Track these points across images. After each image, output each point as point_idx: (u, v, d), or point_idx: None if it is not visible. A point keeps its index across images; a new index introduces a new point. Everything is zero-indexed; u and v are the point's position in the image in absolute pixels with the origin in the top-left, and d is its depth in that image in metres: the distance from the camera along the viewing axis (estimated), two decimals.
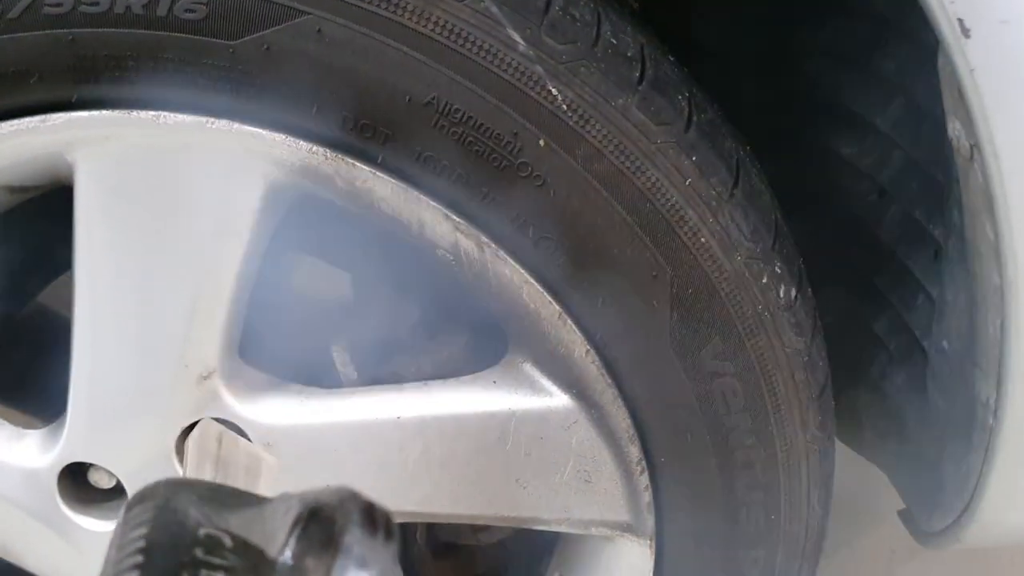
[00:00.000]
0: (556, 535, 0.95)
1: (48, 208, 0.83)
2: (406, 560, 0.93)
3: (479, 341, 0.85)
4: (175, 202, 0.70)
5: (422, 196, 0.69)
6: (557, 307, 0.73)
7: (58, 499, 0.84)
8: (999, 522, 0.87)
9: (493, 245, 0.71)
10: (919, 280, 0.93)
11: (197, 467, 0.64)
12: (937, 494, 0.94)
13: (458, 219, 0.70)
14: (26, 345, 0.94)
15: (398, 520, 0.84)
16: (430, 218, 0.70)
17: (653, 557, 0.84)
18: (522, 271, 0.72)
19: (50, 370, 0.82)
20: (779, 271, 0.74)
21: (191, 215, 0.71)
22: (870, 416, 1.10)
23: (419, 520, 0.84)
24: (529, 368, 0.78)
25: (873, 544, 1.59)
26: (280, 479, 0.74)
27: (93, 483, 0.85)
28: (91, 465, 0.84)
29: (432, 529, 0.94)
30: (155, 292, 0.73)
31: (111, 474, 0.84)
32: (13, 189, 0.74)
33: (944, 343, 0.87)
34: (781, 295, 0.74)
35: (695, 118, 0.71)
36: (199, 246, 0.71)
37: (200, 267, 0.72)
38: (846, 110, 1.02)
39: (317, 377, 0.84)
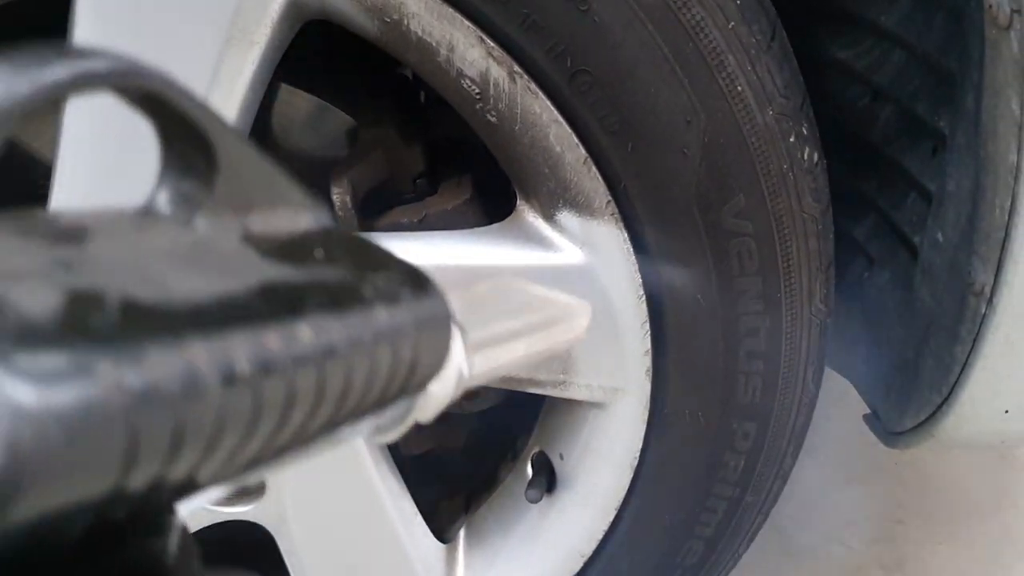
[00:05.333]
0: (538, 409, 0.94)
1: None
2: None
3: (485, 197, 0.82)
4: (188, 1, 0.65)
5: (457, 14, 0.66)
6: (584, 151, 0.71)
7: None
8: (977, 414, 0.88)
9: (526, 76, 0.68)
10: (914, 177, 0.94)
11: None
12: (911, 392, 0.96)
13: (492, 44, 0.67)
14: None
15: None
16: (463, 41, 0.67)
17: (645, 426, 0.83)
18: (552, 108, 0.69)
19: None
20: (805, 132, 0.73)
21: (207, 16, 0.65)
22: (840, 324, 1.11)
23: None
24: (539, 222, 0.76)
25: (809, 472, 1.63)
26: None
27: None
28: None
29: None
30: None
31: None
32: None
33: (939, 235, 0.88)
34: (805, 157, 0.73)
35: None
36: (211, 51, 0.66)
37: (211, 74, 0.67)
38: (843, 13, 1.02)
39: None
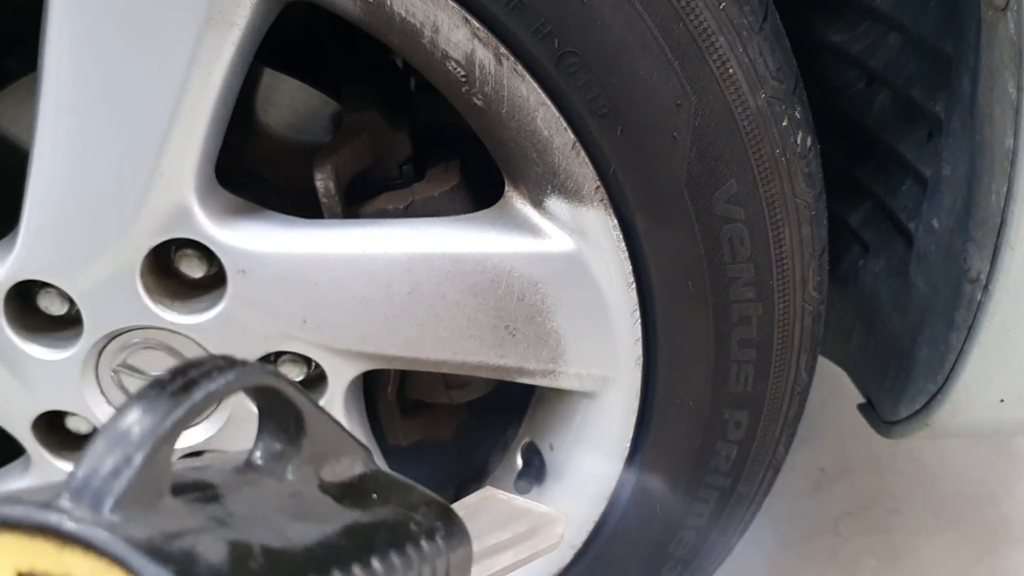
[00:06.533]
0: (528, 399, 0.93)
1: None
2: (373, 415, 0.89)
3: (472, 184, 0.80)
4: None
5: None
6: (572, 135, 0.69)
7: (3, 322, 0.76)
8: (973, 402, 0.87)
9: (512, 58, 0.66)
10: (909, 162, 0.93)
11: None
12: (906, 381, 0.95)
13: (478, 24, 0.65)
14: None
15: (380, 365, 0.80)
16: (447, 21, 0.65)
17: (636, 415, 0.82)
18: (540, 91, 0.68)
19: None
20: (798, 116, 0.72)
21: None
22: (835, 312, 1.10)
23: (400, 366, 0.79)
24: (527, 209, 0.75)
25: (803, 462, 1.63)
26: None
27: (43, 309, 0.78)
28: (41, 289, 0.77)
29: (403, 385, 0.89)
30: (135, 85, 0.67)
31: (62, 300, 0.77)
32: None
33: (934, 221, 0.87)
34: (798, 141, 0.72)
35: None
36: (189, 33, 0.65)
37: (189, 57, 0.65)
38: None
39: (299, 207, 0.78)
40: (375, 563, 0.39)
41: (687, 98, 0.67)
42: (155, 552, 0.30)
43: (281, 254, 0.74)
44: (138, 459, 0.32)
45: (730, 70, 0.67)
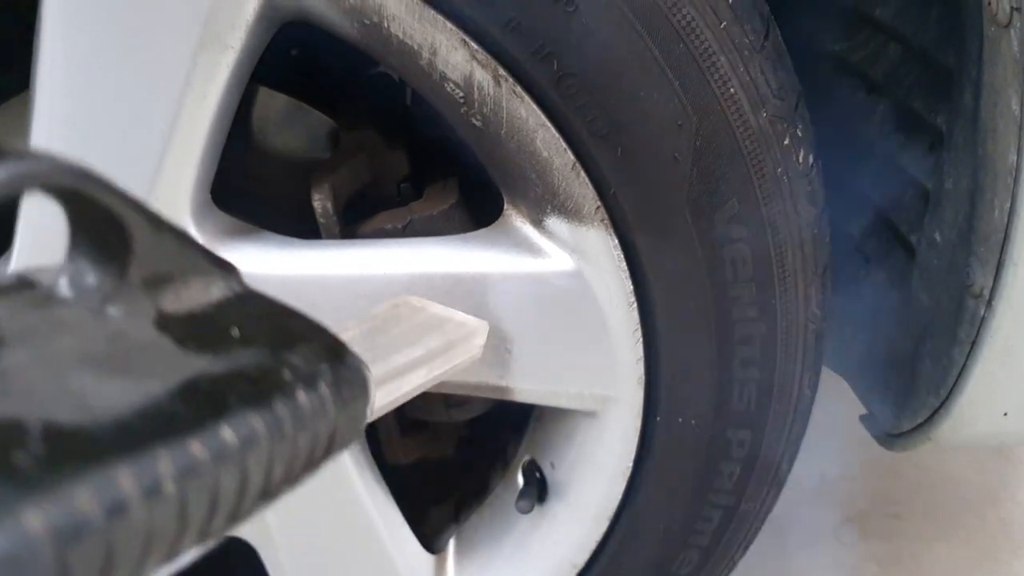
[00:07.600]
0: (528, 417, 0.92)
1: None
2: (372, 435, 0.88)
3: (471, 202, 0.80)
4: (161, 3, 0.63)
5: (438, 16, 0.63)
6: (572, 156, 0.68)
7: None
8: (976, 416, 0.87)
9: (511, 80, 0.65)
10: (910, 174, 0.92)
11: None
12: (908, 394, 0.94)
13: (476, 46, 0.64)
14: None
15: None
16: (445, 43, 0.64)
17: (638, 436, 0.81)
18: (539, 112, 0.67)
19: None
20: (800, 134, 0.71)
21: (178, 21, 0.63)
22: (835, 323, 1.09)
23: None
24: (527, 228, 0.74)
25: (803, 468, 1.62)
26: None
27: None
28: None
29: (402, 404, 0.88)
30: (130, 107, 0.66)
31: None
32: None
33: (936, 235, 0.86)
34: (800, 160, 0.71)
35: None
36: (184, 56, 0.64)
37: (183, 80, 0.65)
38: (837, 5, 1.00)
39: (297, 227, 0.77)
40: (226, 433, 0.28)
41: (688, 118, 0.66)
42: None
43: (278, 276, 0.73)
44: None
45: (731, 90, 0.66)
